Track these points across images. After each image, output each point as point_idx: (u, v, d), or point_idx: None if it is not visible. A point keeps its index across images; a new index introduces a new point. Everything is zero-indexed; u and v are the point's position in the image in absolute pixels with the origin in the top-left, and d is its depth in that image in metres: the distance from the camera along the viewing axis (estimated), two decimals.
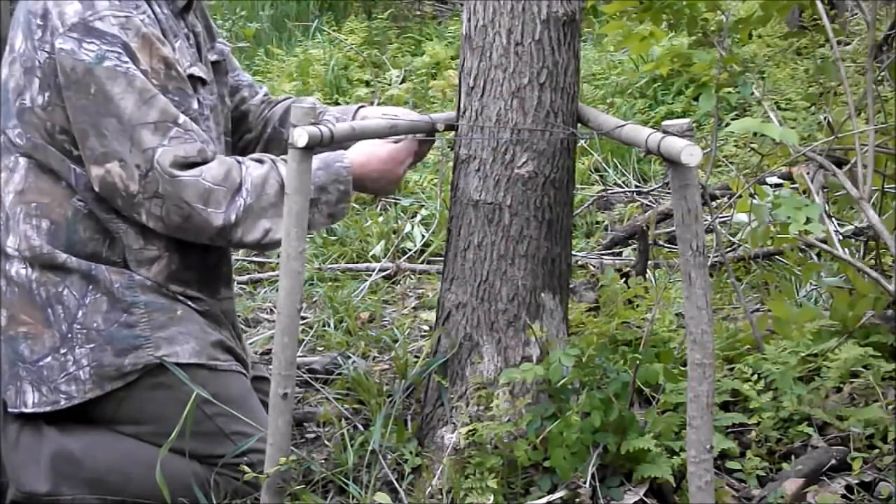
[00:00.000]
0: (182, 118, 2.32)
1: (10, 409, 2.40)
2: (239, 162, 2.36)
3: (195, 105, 2.39)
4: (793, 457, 2.46)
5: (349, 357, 3.11)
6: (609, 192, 4.82)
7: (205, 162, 2.32)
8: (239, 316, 2.85)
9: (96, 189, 2.33)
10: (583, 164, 4.94)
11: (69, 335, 2.37)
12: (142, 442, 2.41)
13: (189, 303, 2.45)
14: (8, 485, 2.40)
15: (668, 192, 3.49)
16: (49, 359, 2.37)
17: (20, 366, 2.39)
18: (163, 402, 2.39)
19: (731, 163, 4.65)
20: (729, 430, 2.53)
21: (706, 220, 2.48)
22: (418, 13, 8.65)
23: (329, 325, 3.49)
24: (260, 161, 2.39)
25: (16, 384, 2.39)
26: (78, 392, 2.37)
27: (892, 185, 3.13)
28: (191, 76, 2.40)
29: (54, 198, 2.37)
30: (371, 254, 4.20)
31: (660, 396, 2.51)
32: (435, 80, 6.63)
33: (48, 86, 2.32)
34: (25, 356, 2.38)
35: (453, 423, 2.43)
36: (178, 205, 2.29)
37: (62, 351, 2.37)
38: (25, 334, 2.38)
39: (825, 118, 3.69)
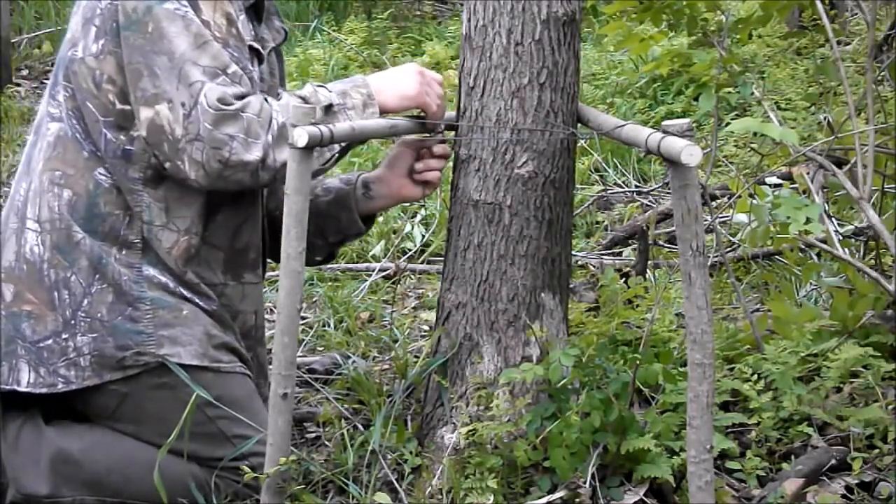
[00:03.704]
0: (233, 68, 2.33)
1: (2, 386, 2.38)
2: (264, 98, 2.35)
3: (251, 67, 2.40)
4: (793, 457, 2.46)
5: (349, 357, 3.11)
6: (609, 192, 4.81)
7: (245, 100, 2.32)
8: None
9: (143, 134, 2.32)
10: (583, 164, 4.93)
11: (72, 321, 2.36)
12: (142, 443, 2.40)
13: (198, 300, 2.41)
14: (8, 486, 2.40)
15: (668, 192, 3.49)
16: (50, 341, 2.36)
17: (19, 343, 2.38)
18: (165, 403, 2.38)
19: (731, 163, 4.64)
20: (729, 430, 2.53)
21: (706, 220, 2.48)
22: (418, 13, 8.65)
23: (329, 325, 3.48)
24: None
25: (11, 361, 2.38)
26: (76, 378, 2.36)
27: (892, 185, 3.13)
28: (249, 46, 2.42)
29: (78, 169, 2.38)
30: (371, 254, 4.19)
31: (660, 396, 2.51)
32: None
33: (104, 32, 2.34)
34: (26, 335, 2.38)
35: (453, 423, 2.43)
36: (217, 146, 2.26)
37: (64, 336, 2.36)
38: (29, 313, 2.38)
39: (825, 118, 3.69)
